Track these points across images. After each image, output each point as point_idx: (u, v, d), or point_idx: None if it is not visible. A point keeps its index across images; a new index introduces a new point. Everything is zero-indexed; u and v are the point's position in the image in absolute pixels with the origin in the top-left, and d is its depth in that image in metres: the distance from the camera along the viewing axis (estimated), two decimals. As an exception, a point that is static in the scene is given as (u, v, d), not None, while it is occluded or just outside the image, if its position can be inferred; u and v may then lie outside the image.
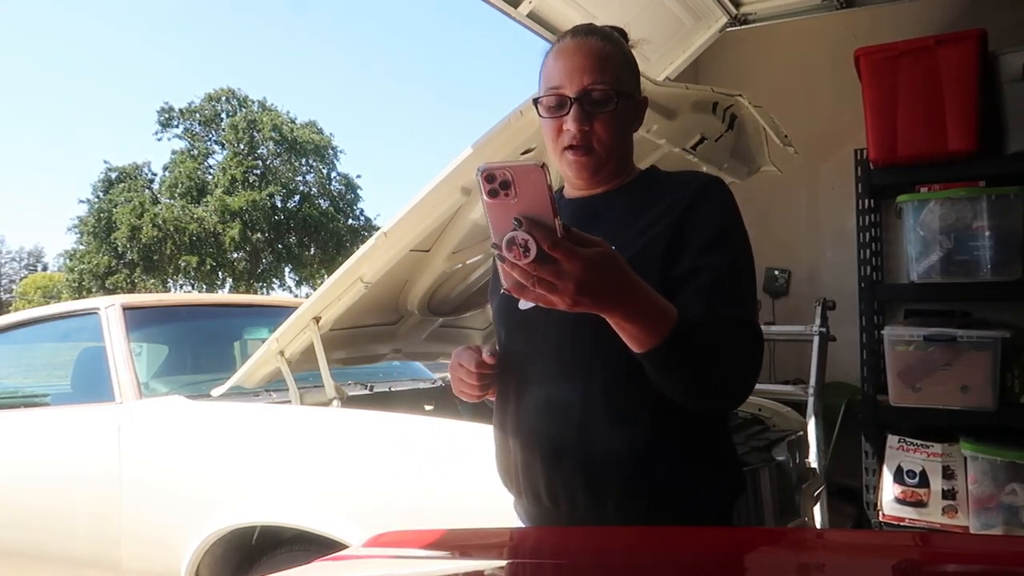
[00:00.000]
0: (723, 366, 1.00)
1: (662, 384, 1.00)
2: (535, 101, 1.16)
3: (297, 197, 30.72)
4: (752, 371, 1.04)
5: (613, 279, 0.87)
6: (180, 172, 29.76)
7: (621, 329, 0.93)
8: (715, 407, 1.12)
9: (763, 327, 3.41)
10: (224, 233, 28.55)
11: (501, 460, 1.22)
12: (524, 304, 1.14)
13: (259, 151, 30.21)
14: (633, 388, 1.05)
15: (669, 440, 1.09)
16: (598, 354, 1.08)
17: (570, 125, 1.11)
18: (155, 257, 28.53)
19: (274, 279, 31.04)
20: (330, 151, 31.92)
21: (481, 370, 1.15)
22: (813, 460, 2.63)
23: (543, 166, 0.80)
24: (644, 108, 1.22)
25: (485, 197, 0.81)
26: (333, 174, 32.32)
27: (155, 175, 31.19)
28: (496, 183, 0.81)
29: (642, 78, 1.89)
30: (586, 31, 1.16)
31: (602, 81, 1.11)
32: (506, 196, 0.81)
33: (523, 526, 1.20)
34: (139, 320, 2.64)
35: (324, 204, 31.45)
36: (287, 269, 31.20)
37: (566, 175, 1.19)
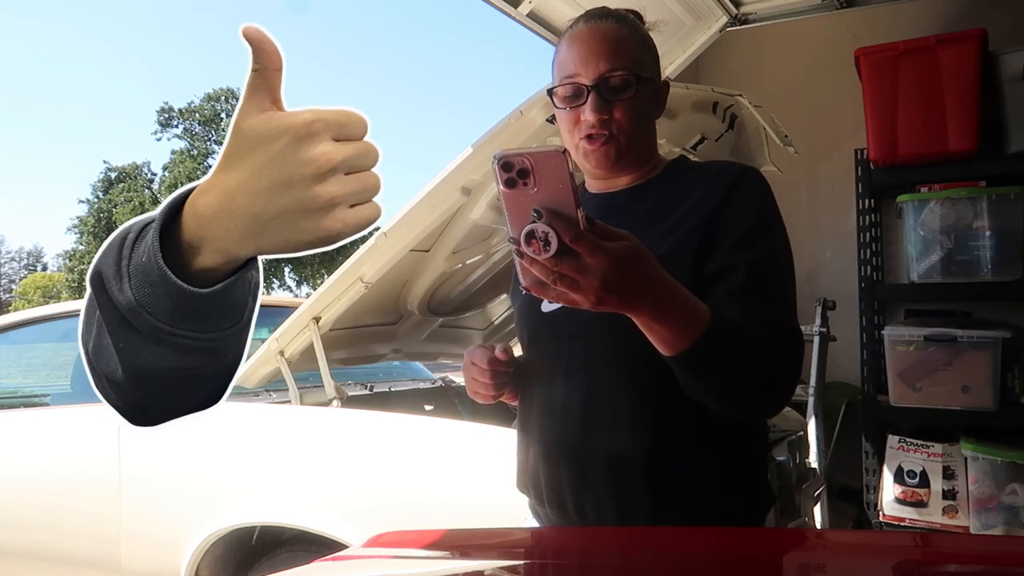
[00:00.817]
0: (759, 370, 0.93)
1: (693, 389, 0.93)
2: (549, 92, 1.10)
3: (297, 197, 30.66)
4: (791, 375, 0.98)
5: (640, 276, 0.80)
6: (180, 172, 29.84)
7: (649, 330, 0.86)
8: (751, 414, 1.05)
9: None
10: (224, 233, 28.54)
11: (523, 467, 1.16)
12: (547, 307, 1.09)
13: (259, 151, 30.17)
14: (664, 395, 0.98)
15: (701, 452, 1.03)
16: (627, 358, 1.01)
17: (588, 115, 1.05)
18: (155, 257, 28.55)
19: (274, 279, 31.08)
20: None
21: (494, 367, 1.09)
22: (813, 460, 2.63)
23: (564, 152, 0.74)
24: (666, 92, 1.15)
25: (502, 187, 0.75)
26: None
27: (155, 175, 31.28)
28: (514, 171, 0.74)
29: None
30: (600, 14, 1.09)
31: (620, 67, 1.04)
32: (524, 186, 0.74)
33: (524, 526, 1.20)
34: (139, 320, 2.63)
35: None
36: (287, 269, 31.23)
37: (585, 167, 1.12)
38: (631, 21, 1.11)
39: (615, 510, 1.04)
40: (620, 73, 1.05)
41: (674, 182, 1.11)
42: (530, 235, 0.75)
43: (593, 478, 1.04)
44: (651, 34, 1.15)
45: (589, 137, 1.07)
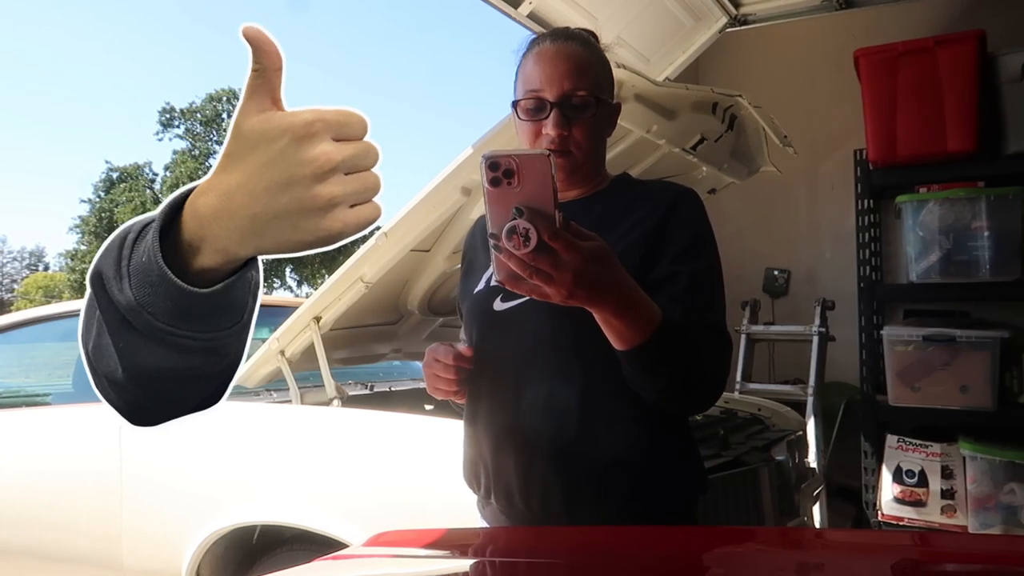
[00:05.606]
0: (698, 368, 1.02)
1: (638, 383, 1.01)
2: (513, 104, 1.16)
3: (297, 197, 30.63)
4: (723, 374, 1.08)
5: (607, 273, 0.88)
6: (181, 172, 29.81)
7: (608, 325, 0.94)
8: (686, 408, 1.15)
9: (763, 327, 3.46)
10: (224, 233, 28.48)
11: (471, 460, 1.21)
12: (499, 305, 1.15)
13: (260, 151, 30.14)
14: (610, 389, 1.06)
15: (643, 440, 1.10)
16: (576, 355, 1.09)
17: (550, 129, 1.11)
18: (156, 257, 28.50)
19: (275, 279, 31.06)
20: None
21: (459, 363, 1.15)
22: (812, 460, 2.64)
23: (548, 155, 0.80)
24: (618, 113, 1.23)
25: (487, 185, 0.80)
26: (334, 174, 32.25)
27: (156, 175, 31.25)
28: (500, 171, 0.79)
29: (642, 78, 1.91)
30: (565, 36, 1.17)
31: (582, 87, 1.12)
32: (509, 185, 0.80)
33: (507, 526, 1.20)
34: (140, 320, 2.64)
35: (324, 204, 31.37)
36: (288, 269, 31.22)
37: None
38: (592, 44, 1.18)
39: (562, 497, 1.09)
40: (582, 93, 1.12)
41: (619, 196, 1.19)
42: (512, 231, 0.80)
43: (541, 466, 1.10)
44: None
45: (548, 150, 1.11)
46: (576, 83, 1.12)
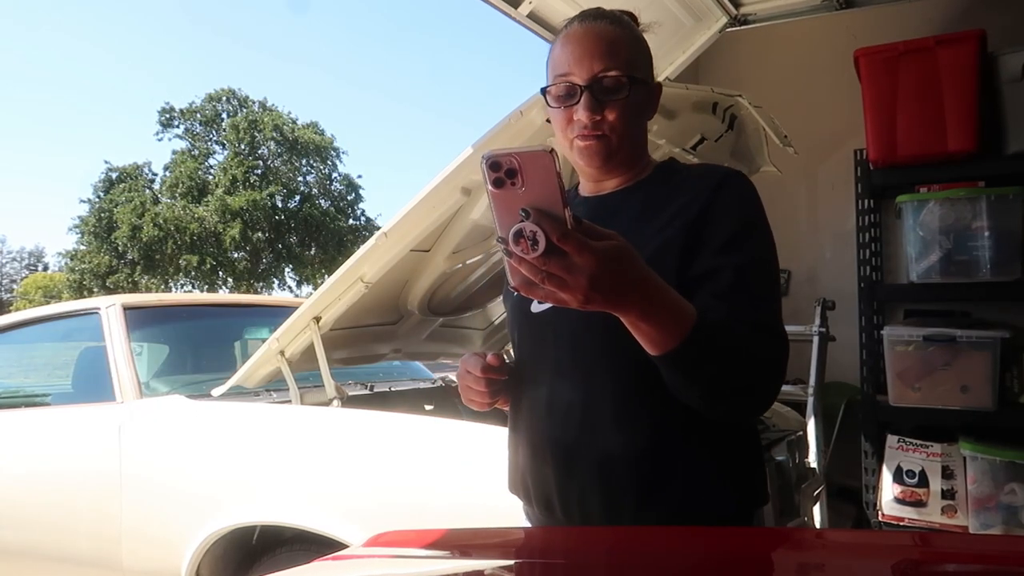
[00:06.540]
0: (743, 371, 0.94)
1: (678, 388, 0.94)
2: (543, 91, 1.10)
3: (298, 197, 30.72)
4: (775, 376, 0.98)
5: (627, 274, 0.80)
6: (181, 172, 29.73)
7: (636, 329, 0.87)
8: (734, 414, 1.03)
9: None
10: (225, 233, 28.52)
11: (513, 467, 1.17)
12: (537, 307, 1.09)
13: (260, 151, 30.20)
14: (652, 393, 0.99)
15: (689, 449, 1.03)
16: (615, 357, 1.02)
17: (581, 114, 1.05)
18: (156, 256, 28.50)
19: (274, 279, 31.03)
20: (331, 152, 31.93)
21: (487, 374, 1.10)
22: (813, 460, 2.64)
23: (552, 151, 0.74)
24: (658, 94, 1.15)
25: (490, 187, 0.75)
26: (334, 174, 32.35)
27: (156, 175, 31.19)
28: (502, 171, 0.74)
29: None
30: (595, 15, 1.10)
31: (614, 67, 1.05)
32: (512, 185, 0.75)
33: (524, 526, 1.20)
34: (140, 320, 2.65)
35: (325, 204, 31.45)
36: (287, 269, 31.20)
37: (577, 165, 1.12)
38: (625, 22, 1.11)
39: (601, 508, 1.04)
40: (613, 74, 1.05)
41: (663, 184, 1.11)
42: (518, 234, 0.76)
43: (580, 476, 1.05)
44: (649, 35, 1.15)
45: (582, 136, 1.07)
46: (606, 63, 1.04)
